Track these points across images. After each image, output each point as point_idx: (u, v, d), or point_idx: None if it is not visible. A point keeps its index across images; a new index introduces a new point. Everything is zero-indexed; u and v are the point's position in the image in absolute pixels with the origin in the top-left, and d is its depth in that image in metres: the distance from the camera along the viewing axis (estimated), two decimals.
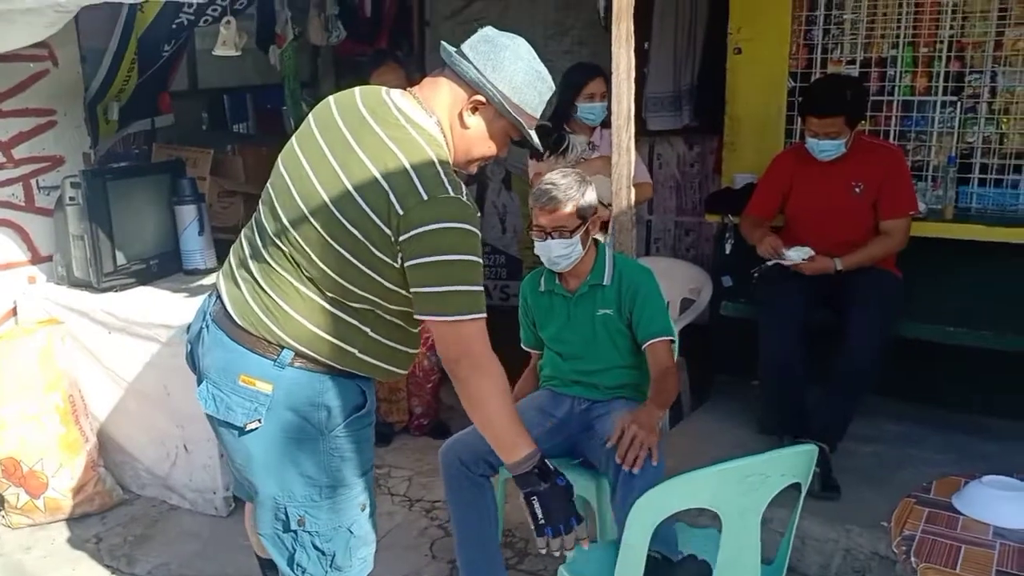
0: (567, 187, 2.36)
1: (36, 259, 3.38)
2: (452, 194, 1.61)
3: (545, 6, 4.97)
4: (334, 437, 1.73)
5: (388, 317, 1.74)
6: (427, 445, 3.55)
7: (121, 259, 3.26)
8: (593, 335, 2.49)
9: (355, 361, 1.73)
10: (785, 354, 3.11)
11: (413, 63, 5.23)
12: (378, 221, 1.61)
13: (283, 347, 1.69)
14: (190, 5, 3.62)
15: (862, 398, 3.10)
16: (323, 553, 1.78)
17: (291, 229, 1.68)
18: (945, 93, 3.49)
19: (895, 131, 3.59)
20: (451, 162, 1.72)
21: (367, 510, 1.83)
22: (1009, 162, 3.42)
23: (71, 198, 3.15)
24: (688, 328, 3.70)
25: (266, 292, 1.72)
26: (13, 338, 3.01)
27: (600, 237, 3.29)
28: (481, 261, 1.65)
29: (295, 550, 1.78)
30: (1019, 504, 1.79)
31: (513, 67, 1.70)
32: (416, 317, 1.68)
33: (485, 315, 1.66)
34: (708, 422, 3.59)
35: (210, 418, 1.79)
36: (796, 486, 1.81)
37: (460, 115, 1.72)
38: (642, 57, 4.54)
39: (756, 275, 3.29)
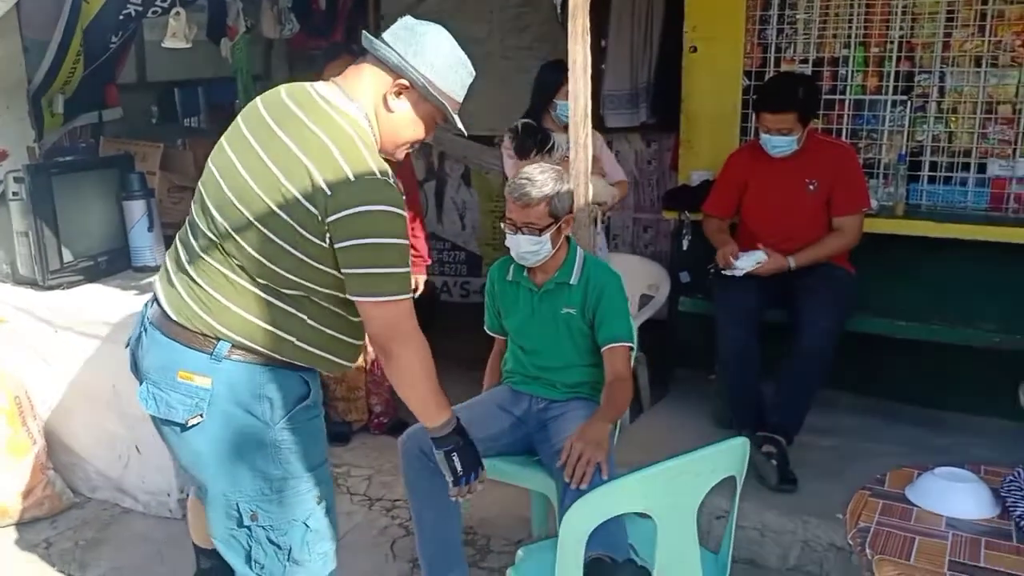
0: (542, 184, 2.34)
1: None
2: (379, 176, 1.65)
3: (502, 2, 4.95)
4: (280, 429, 1.74)
5: (324, 304, 1.75)
6: (386, 444, 3.52)
7: (68, 256, 3.17)
8: (555, 332, 2.49)
9: (295, 350, 1.74)
10: (740, 348, 3.16)
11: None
12: (303, 200, 1.62)
13: (219, 339, 1.70)
14: None
15: (816, 391, 3.15)
16: (279, 547, 1.78)
17: (222, 220, 1.70)
18: (895, 92, 3.56)
19: (847, 129, 3.65)
20: (378, 147, 1.76)
21: (323, 504, 1.83)
22: (958, 160, 3.50)
23: (14, 193, 3.04)
24: (647, 323, 3.72)
25: (200, 286, 1.73)
26: None
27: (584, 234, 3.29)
28: (408, 243, 1.71)
29: (251, 547, 1.78)
30: (971, 495, 1.82)
31: (434, 52, 1.75)
32: (348, 297, 1.70)
33: (411, 295, 1.73)
34: (667, 417, 3.62)
35: (154, 419, 1.79)
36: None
37: (385, 99, 1.75)
38: (599, 54, 4.57)
39: (712, 271, 3.33)
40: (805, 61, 3.69)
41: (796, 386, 3.12)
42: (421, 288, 3.71)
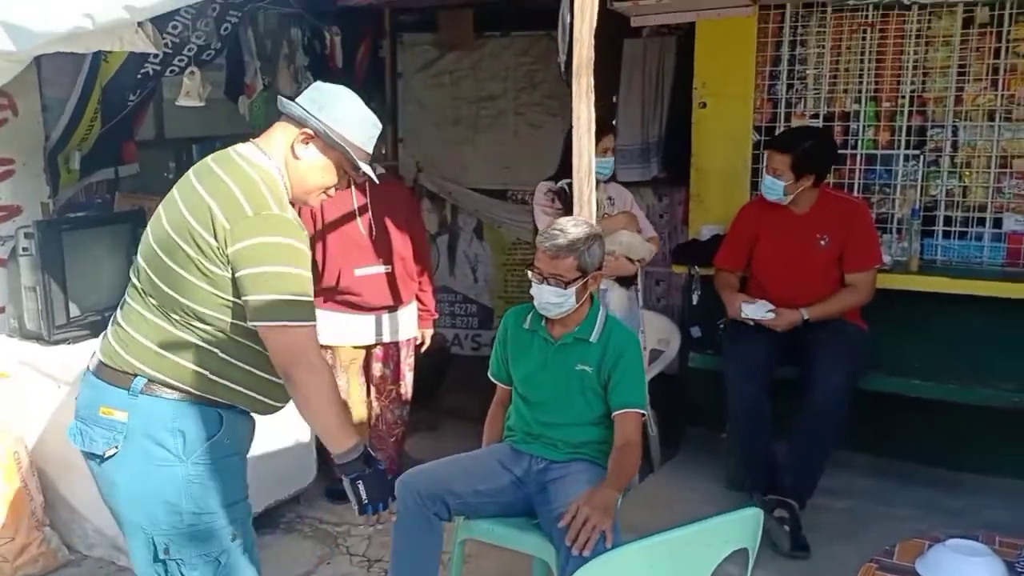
0: (575, 238, 2.33)
1: None
2: (276, 211, 1.77)
3: (515, 60, 5.02)
4: (194, 464, 1.80)
5: (240, 339, 1.82)
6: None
7: (75, 311, 3.17)
8: (566, 387, 2.43)
9: (212, 385, 1.81)
10: (751, 407, 3.09)
11: (386, 115, 5.26)
12: (205, 234, 1.74)
13: (136, 375, 1.80)
14: (156, 56, 3.62)
15: (830, 452, 3.06)
16: None
17: (143, 265, 1.84)
18: (908, 147, 3.53)
19: (859, 184, 3.62)
20: (290, 195, 1.89)
21: (238, 541, 1.86)
22: (972, 215, 3.45)
23: (24, 248, 3.07)
24: (658, 379, 3.67)
25: (122, 326, 1.86)
26: None
27: (622, 292, 3.26)
28: (310, 275, 1.80)
29: None
30: (982, 569, 1.73)
31: (337, 106, 1.89)
32: (249, 324, 1.77)
33: (315, 323, 1.81)
34: (678, 476, 3.54)
35: (84, 455, 1.89)
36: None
37: (292, 148, 1.88)
38: (611, 110, 4.59)
39: (722, 327, 3.27)
40: (816, 116, 3.68)
41: (809, 445, 3.04)
42: (428, 343, 3.68)
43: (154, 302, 1.81)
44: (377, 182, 2.12)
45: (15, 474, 2.95)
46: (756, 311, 3.16)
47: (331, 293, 3.40)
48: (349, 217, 3.38)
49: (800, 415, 3.03)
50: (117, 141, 4.06)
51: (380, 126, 1.96)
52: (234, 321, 1.80)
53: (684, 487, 3.36)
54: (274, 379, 1.87)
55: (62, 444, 3.05)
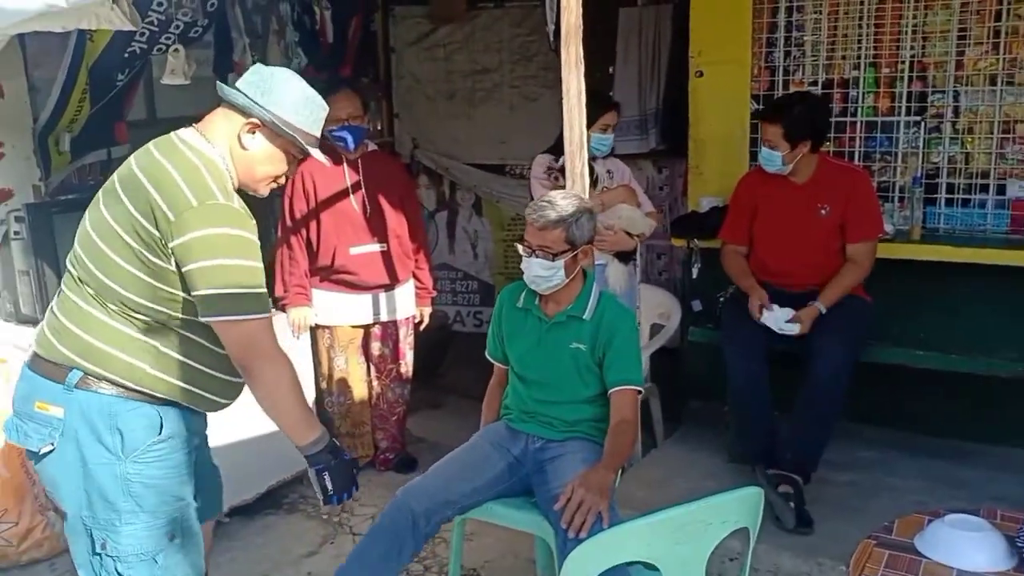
0: (563, 208, 2.29)
1: None
2: (222, 201, 1.71)
3: (509, 32, 4.95)
4: (132, 462, 1.76)
5: (183, 332, 1.78)
6: (393, 480, 3.44)
7: None
8: (560, 365, 2.41)
9: (150, 379, 1.77)
10: (750, 380, 3.06)
11: (379, 89, 5.19)
12: (146, 224, 1.69)
13: (71, 368, 1.75)
14: (142, 34, 3.56)
15: (832, 426, 3.03)
16: None
17: (80, 252, 1.79)
18: (908, 113, 3.46)
19: (859, 152, 3.56)
20: (236, 183, 1.84)
21: (176, 541, 1.83)
22: (975, 181, 3.39)
23: (15, 232, 3.07)
24: (659, 352, 3.65)
25: (56, 316, 1.80)
26: None
27: (620, 268, 3.22)
28: (261, 266, 1.76)
29: (101, 575, 1.80)
30: (984, 545, 1.71)
31: (281, 90, 1.82)
32: (201, 320, 1.73)
33: (270, 314, 1.78)
34: (680, 451, 3.52)
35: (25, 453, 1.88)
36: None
37: (239, 139, 1.82)
38: (607, 81, 4.52)
39: (722, 300, 3.24)
40: (815, 83, 3.61)
41: (811, 420, 3.01)
42: (427, 321, 3.66)
43: (91, 291, 1.75)
44: (327, 164, 2.06)
45: (15, 459, 2.95)
46: (777, 321, 3.06)
47: (327, 272, 3.38)
48: (342, 195, 3.34)
49: (801, 388, 3.00)
50: (108, 122, 4.01)
51: (327, 107, 1.92)
52: (174, 314, 1.76)
53: (686, 462, 3.35)
54: (217, 374, 1.85)
55: None
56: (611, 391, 2.36)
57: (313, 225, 3.33)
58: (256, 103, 1.79)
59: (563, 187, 3.22)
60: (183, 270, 1.69)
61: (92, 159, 4.03)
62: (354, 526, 3.21)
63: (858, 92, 3.53)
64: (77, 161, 3.92)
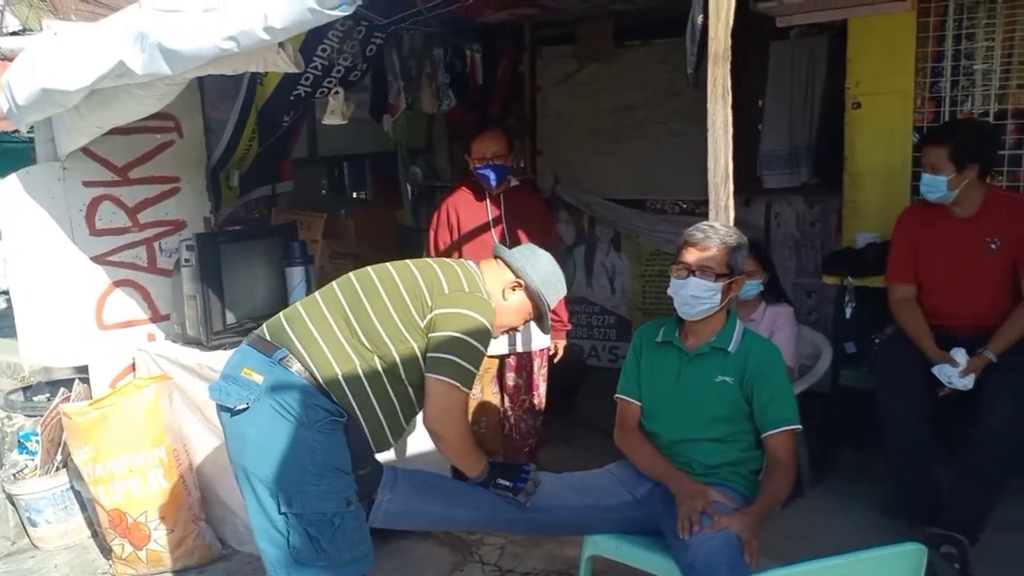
0: (725, 234, 2.27)
1: (156, 317, 3.55)
2: (484, 297, 2.19)
3: (655, 68, 4.92)
4: (317, 431, 2.04)
5: (389, 376, 2.12)
6: None
7: (230, 318, 3.37)
8: (702, 400, 2.32)
9: (338, 389, 2.07)
10: (910, 430, 2.83)
11: (525, 129, 5.28)
12: (425, 293, 2.18)
13: (280, 347, 2.09)
14: (307, 78, 3.81)
15: (1005, 483, 2.75)
16: (311, 537, 2.03)
17: (368, 306, 2.17)
18: None
19: None
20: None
21: (353, 507, 2.09)
22: None
23: (186, 260, 3.30)
24: (806, 396, 3.44)
25: (306, 324, 2.15)
26: (124, 393, 3.14)
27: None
28: (485, 355, 2.17)
29: (288, 532, 2.03)
30: None
31: (543, 267, 2.33)
32: (426, 374, 2.12)
33: (470, 392, 2.21)
34: (827, 501, 3.31)
35: (217, 408, 2.15)
36: None
37: (503, 291, 2.29)
38: (757, 114, 4.40)
39: (877, 341, 3.03)
40: (985, 114, 3.36)
41: (980, 478, 2.74)
42: (561, 353, 3.64)
43: (361, 336, 2.12)
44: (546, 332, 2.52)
45: (175, 470, 3.16)
46: (948, 376, 2.86)
47: None
48: (484, 228, 3.40)
49: (970, 441, 2.74)
50: (274, 160, 4.32)
51: (565, 290, 2.40)
52: (401, 360, 2.12)
53: (833, 513, 3.13)
54: (403, 422, 2.19)
55: (216, 443, 3.25)
56: (766, 435, 2.26)
57: (455, 256, 3.41)
58: (527, 272, 2.28)
59: None
60: (431, 334, 2.12)
61: (258, 194, 4.34)
62: (484, 555, 3.21)
63: None
64: (245, 196, 4.23)
